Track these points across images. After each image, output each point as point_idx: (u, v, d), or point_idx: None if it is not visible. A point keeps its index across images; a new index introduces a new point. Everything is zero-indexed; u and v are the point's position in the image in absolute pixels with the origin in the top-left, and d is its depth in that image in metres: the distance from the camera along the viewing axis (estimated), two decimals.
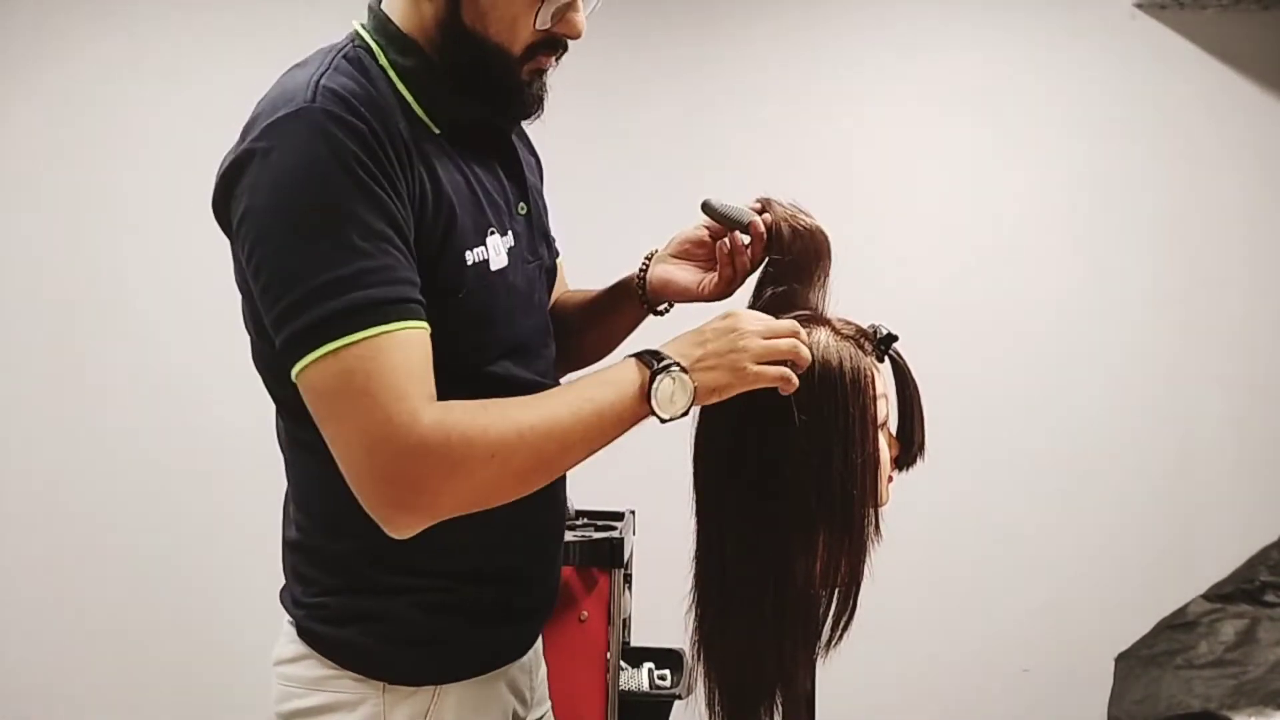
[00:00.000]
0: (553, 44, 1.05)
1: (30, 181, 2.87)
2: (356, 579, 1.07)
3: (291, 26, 2.84)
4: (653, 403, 0.98)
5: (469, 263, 1.03)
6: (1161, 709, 2.60)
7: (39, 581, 2.86)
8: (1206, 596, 2.77)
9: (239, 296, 1.06)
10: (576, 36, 1.06)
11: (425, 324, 0.96)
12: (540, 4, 1.01)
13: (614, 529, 2.04)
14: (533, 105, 1.09)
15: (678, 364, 0.99)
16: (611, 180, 2.85)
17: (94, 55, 2.87)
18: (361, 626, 1.06)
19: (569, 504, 1.26)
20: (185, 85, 2.85)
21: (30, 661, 2.85)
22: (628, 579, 2.10)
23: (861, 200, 2.83)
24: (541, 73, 1.08)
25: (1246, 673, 2.57)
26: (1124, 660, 2.79)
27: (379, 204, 0.94)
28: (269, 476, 2.79)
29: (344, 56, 1.03)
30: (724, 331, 1.02)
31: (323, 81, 0.97)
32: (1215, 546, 2.83)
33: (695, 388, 1.00)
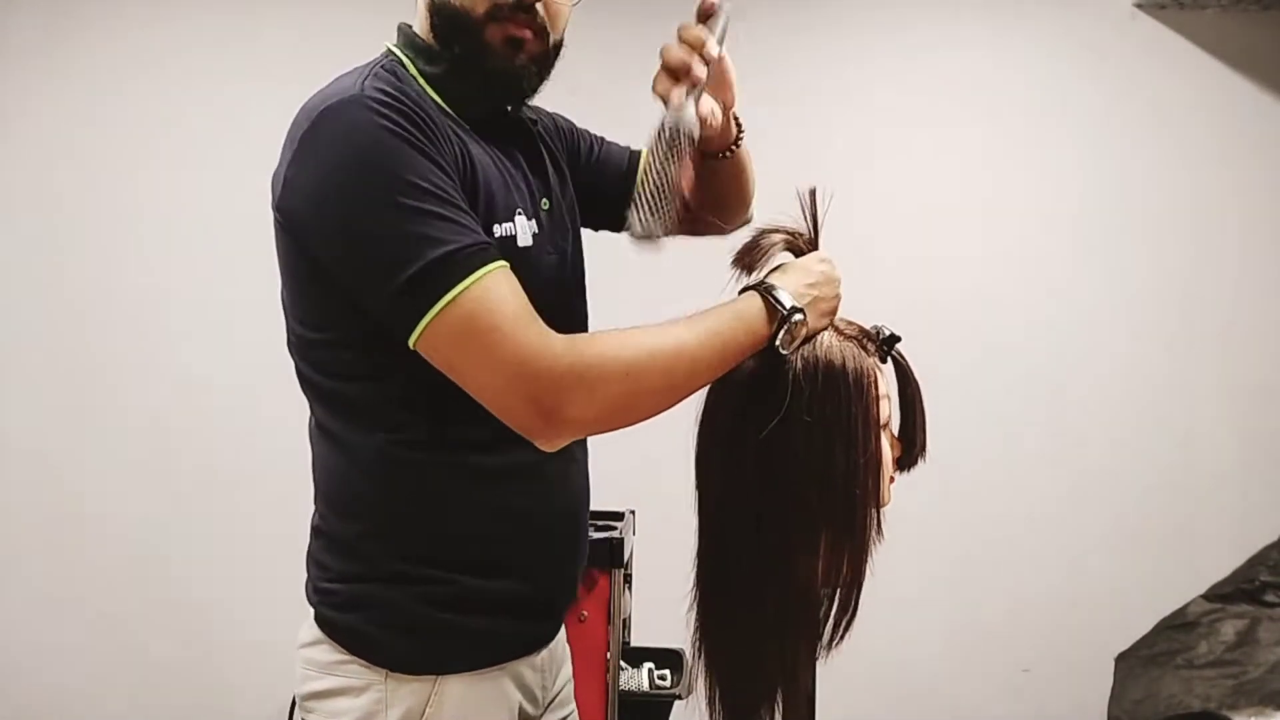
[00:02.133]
0: (516, 8, 1.08)
1: (37, 181, 2.87)
2: (365, 566, 1.10)
3: (299, 32, 2.84)
4: (775, 342, 1.03)
5: (497, 235, 1.07)
6: (1161, 709, 2.60)
7: (39, 581, 2.86)
8: (1206, 596, 2.78)
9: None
10: None
11: (506, 263, 1.01)
12: None
13: (614, 529, 2.04)
14: (516, 83, 1.12)
15: (801, 310, 1.03)
16: None
17: (101, 56, 2.87)
18: (367, 614, 1.09)
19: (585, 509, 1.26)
20: (193, 87, 2.85)
21: (31, 659, 2.85)
22: (628, 579, 2.10)
23: (861, 200, 2.83)
24: (517, 42, 1.10)
25: (1246, 673, 2.57)
26: (1124, 660, 2.80)
27: (435, 167, 1.00)
28: (269, 476, 2.80)
29: (381, 68, 1.09)
30: (829, 279, 1.08)
31: (366, 83, 1.04)
32: (1215, 546, 2.83)
33: (806, 330, 1.05)
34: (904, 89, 2.90)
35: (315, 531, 1.15)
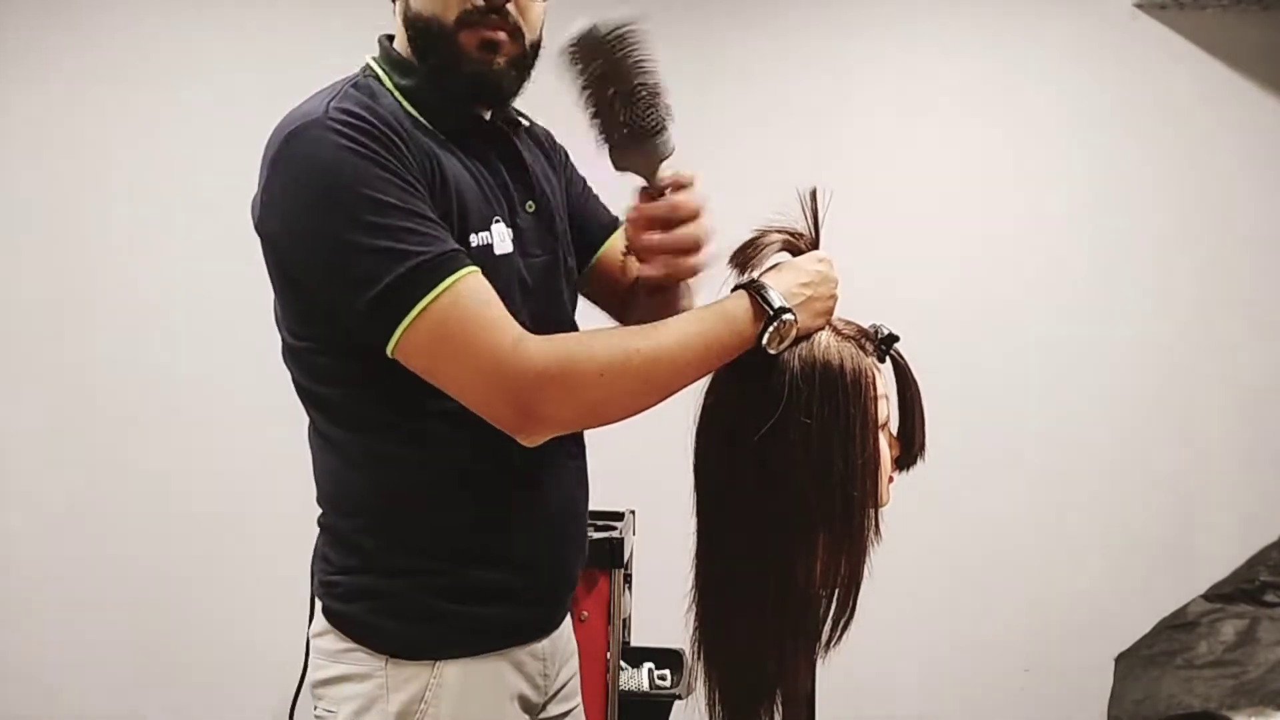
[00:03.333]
0: (486, 10, 1.09)
1: (28, 179, 2.87)
2: (364, 559, 1.14)
3: (291, 30, 2.84)
4: (762, 341, 1.04)
5: (473, 245, 1.09)
6: (1161, 709, 2.60)
7: (39, 581, 2.87)
8: (1206, 596, 2.77)
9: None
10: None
11: (477, 268, 1.03)
12: None
13: (614, 529, 2.04)
14: (494, 86, 1.13)
15: (790, 310, 1.03)
16: (612, 180, 2.85)
17: (94, 55, 2.87)
18: (367, 603, 1.12)
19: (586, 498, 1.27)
20: (184, 87, 2.86)
21: (32, 660, 2.85)
22: (628, 579, 2.10)
23: (861, 200, 2.83)
24: (492, 45, 1.10)
25: (1246, 673, 2.57)
26: (1124, 660, 2.80)
27: (402, 183, 1.02)
28: (271, 475, 2.80)
29: (353, 85, 1.11)
30: (825, 278, 1.08)
31: (333, 103, 1.06)
32: (1215, 546, 2.83)
33: (797, 330, 1.05)
34: (903, 89, 2.90)
35: (320, 529, 1.20)
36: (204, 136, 2.83)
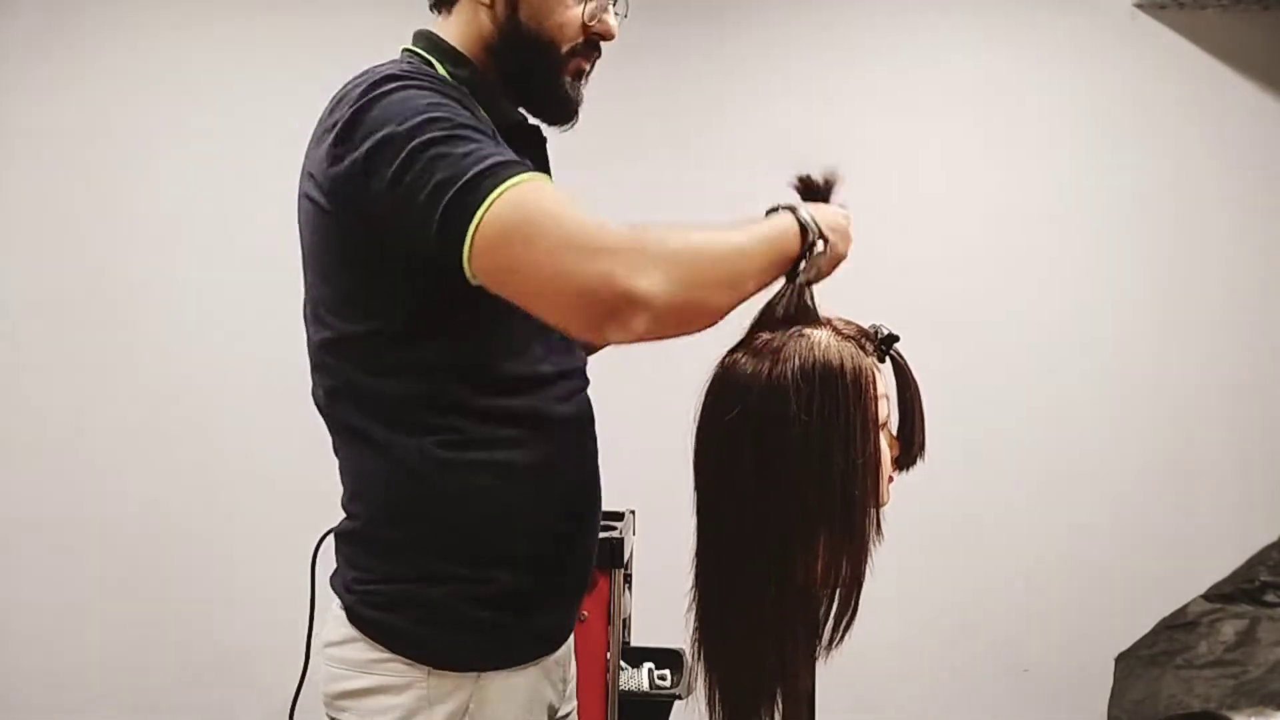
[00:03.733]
0: (590, 45, 1.16)
1: (37, 183, 2.87)
2: (406, 566, 1.11)
3: (301, 38, 2.84)
4: (800, 266, 1.07)
5: None
6: (1161, 709, 2.60)
7: (39, 581, 2.86)
8: (1206, 596, 2.77)
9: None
10: (611, 37, 1.17)
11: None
12: (584, 2, 1.14)
13: (614, 529, 2.04)
14: (573, 110, 1.19)
15: (826, 241, 1.07)
16: (612, 184, 2.85)
17: (100, 60, 2.87)
18: (409, 613, 1.09)
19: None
20: (193, 93, 2.86)
21: (33, 658, 2.85)
22: (628, 579, 2.10)
23: (860, 200, 2.82)
24: (582, 74, 1.18)
25: (1246, 673, 2.57)
26: (1124, 660, 2.79)
27: (475, 119, 1.04)
28: (273, 475, 2.79)
29: (406, 62, 1.13)
30: (845, 234, 1.14)
31: (395, 64, 1.09)
32: (1215, 546, 2.83)
33: (816, 271, 1.08)
34: (903, 89, 2.90)
35: (348, 535, 1.15)
36: (205, 148, 2.83)
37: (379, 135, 0.99)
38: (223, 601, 2.83)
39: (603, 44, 1.18)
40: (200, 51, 2.86)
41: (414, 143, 0.97)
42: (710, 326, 1.01)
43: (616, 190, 2.84)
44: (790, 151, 3.06)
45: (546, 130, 1.24)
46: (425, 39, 1.17)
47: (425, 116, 0.98)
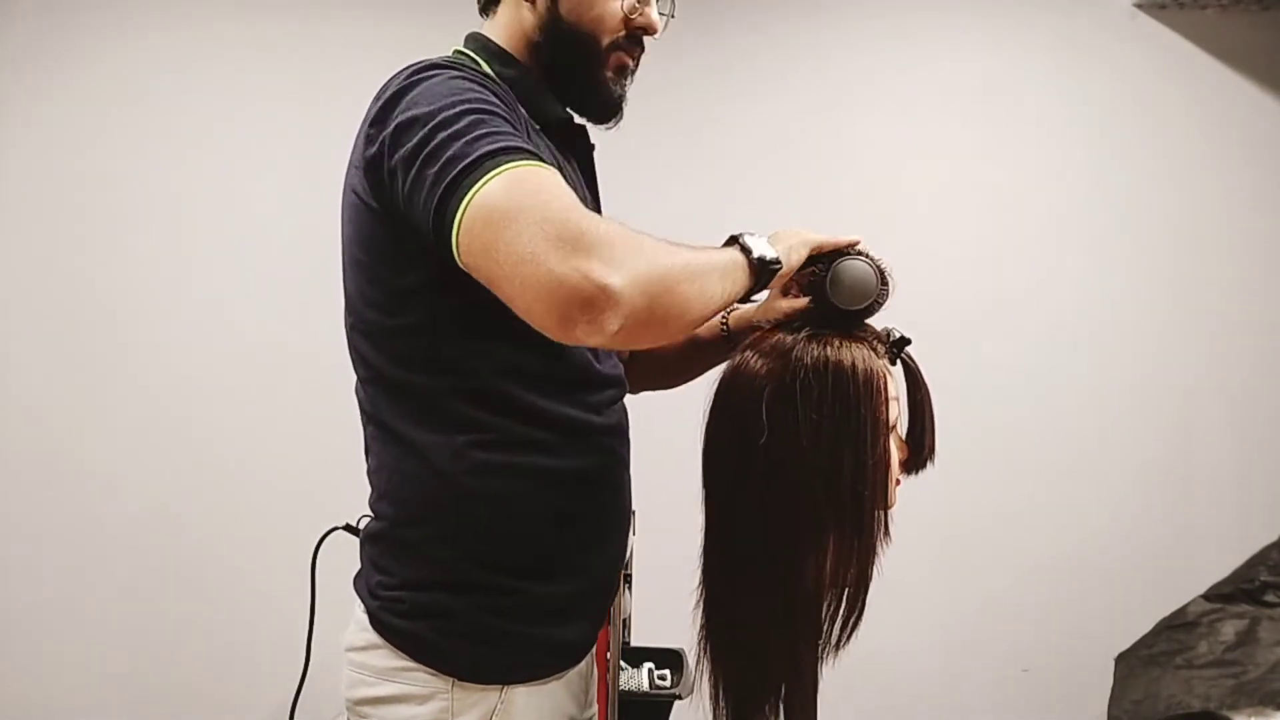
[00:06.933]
0: (632, 40, 1.18)
1: (37, 183, 2.87)
2: (433, 571, 1.09)
3: (301, 39, 2.83)
4: (754, 286, 1.07)
5: None
6: (1161, 709, 2.60)
7: (38, 582, 2.86)
8: (1206, 596, 2.77)
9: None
10: (652, 31, 1.20)
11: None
12: None
13: None
14: (616, 107, 1.21)
15: (778, 263, 1.07)
16: (612, 184, 2.85)
17: (100, 60, 2.87)
18: (435, 622, 1.08)
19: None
20: (193, 94, 2.85)
21: (31, 660, 2.85)
22: (628, 579, 2.09)
23: (860, 201, 2.83)
24: (624, 70, 1.20)
25: (1246, 673, 2.57)
26: (1124, 660, 2.79)
27: (505, 107, 1.03)
28: (273, 475, 2.78)
29: (454, 61, 1.12)
30: (793, 233, 1.15)
31: (440, 58, 1.10)
32: (1215, 546, 2.83)
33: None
34: (902, 88, 2.90)
35: (375, 536, 1.14)
36: (203, 153, 2.83)
37: (407, 115, 0.98)
38: (223, 602, 2.83)
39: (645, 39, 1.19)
40: (200, 52, 2.85)
41: (434, 122, 0.96)
42: (675, 339, 1.01)
43: (617, 190, 2.85)
44: (790, 152, 3.06)
45: (593, 131, 1.25)
46: (474, 39, 1.20)
47: (452, 99, 0.98)
